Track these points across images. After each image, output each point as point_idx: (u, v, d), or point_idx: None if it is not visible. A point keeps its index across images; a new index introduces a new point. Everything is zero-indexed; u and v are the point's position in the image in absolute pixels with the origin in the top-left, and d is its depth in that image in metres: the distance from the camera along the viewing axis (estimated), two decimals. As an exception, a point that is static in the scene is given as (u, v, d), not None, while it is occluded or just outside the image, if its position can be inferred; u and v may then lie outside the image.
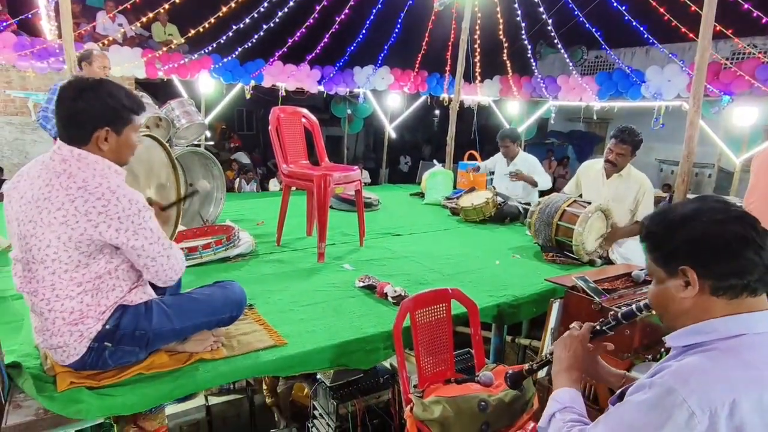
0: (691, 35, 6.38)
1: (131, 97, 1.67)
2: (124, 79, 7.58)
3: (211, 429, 3.31)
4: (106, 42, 7.29)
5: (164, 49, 7.71)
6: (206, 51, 7.78)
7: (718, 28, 5.38)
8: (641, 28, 6.99)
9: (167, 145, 2.39)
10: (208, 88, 8.09)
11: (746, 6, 5.95)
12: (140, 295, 1.73)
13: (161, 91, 8.59)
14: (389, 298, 2.60)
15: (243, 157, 11.88)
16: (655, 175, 11.39)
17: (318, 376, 3.12)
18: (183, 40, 7.84)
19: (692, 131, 3.96)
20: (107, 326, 1.64)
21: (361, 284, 2.77)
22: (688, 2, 5.86)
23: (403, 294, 2.60)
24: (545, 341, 2.47)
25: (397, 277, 2.93)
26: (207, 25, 6.84)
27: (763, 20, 6.26)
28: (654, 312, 1.25)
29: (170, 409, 3.23)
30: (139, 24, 7.50)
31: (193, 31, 7.09)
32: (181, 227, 2.74)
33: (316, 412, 3.09)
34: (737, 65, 7.57)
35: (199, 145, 3.88)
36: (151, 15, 7.03)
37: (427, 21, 7.84)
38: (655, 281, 1.15)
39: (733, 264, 1.01)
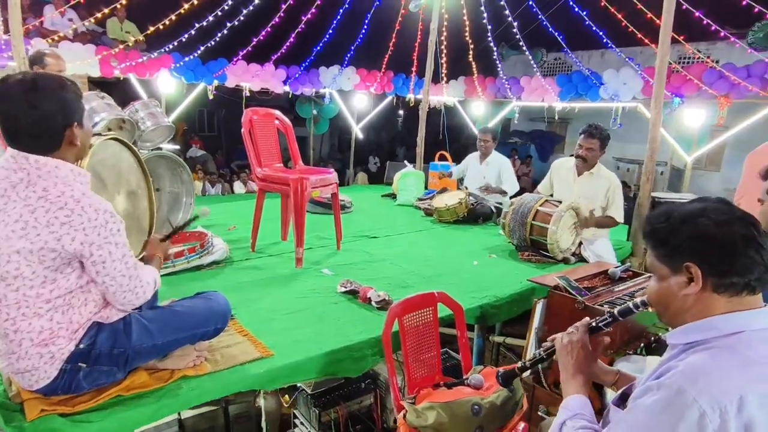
0: (646, 40, 6.67)
1: (74, 83, 1.55)
2: (76, 77, 7.17)
3: (185, 445, 3.17)
4: (55, 38, 6.89)
5: (120, 46, 7.36)
6: (166, 49, 7.48)
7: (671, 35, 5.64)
8: (600, 33, 7.24)
9: (136, 149, 2.26)
10: (169, 87, 7.79)
11: (697, 14, 6.27)
12: (116, 311, 1.61)
13: (117, 91, 8.20)
14: (373, 303, 2.56)
15: (196, 152, 11.54)
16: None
17: (298, 385, 3.05)
18: (142, 38, 7.51)
19: (655, 132, 4.12)
20: (81, 345, 1.52)
21: (343, 289, 2.72)
22: (643, 9, 6.14)
23: (386, 298, 2.57)
24: (529, 340, 2.50)
25: (379, 281, 2.90)
26: (167, 23, 6.58)
27: (712, 27, 6.61)
28: (651, 309, 1.27)
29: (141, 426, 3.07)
30: (93, 20, 7.13)
31: (152, 28, 6.80)
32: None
33: (297, 421, 3.01)
34: (686, 69, 7.97)
35: (160, 148, 3.70)
36: (106, 11, 6.70)
37: (393, 22, 7.84)
38: (656, 279, 1.16)
39: (737, 262, 1.03)
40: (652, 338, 2.40)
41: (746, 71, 7.36)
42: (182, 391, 1.69)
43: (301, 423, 2.96)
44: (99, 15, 6.89)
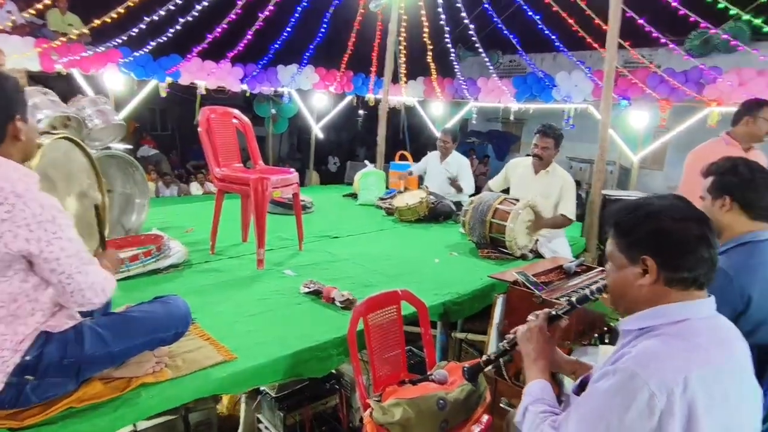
0: (594, 45, 6.98)
1: (8, 75, 1.48)
2: (14, 72, 6.73)
3: (141, 457, 3.05)
4: (-8, 31, 6.45)
5: (62, 39, 6.96)
6: (114, 43, 7.14)
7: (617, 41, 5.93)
8: (552, 37, 7.50)
9: (88, 148, 2.16)
10: (117, 84, 7.44)
11: (640, 21, 6.61)
12: (66, 320, 1.53)
13: (59, 87, 7.76)
14: (337, 303, 2.56)
15: (148, 152, 11.11)
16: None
17: (261, 388, 3.00)
18: (87, 31, 7.13)
19: (604, 133, 4.32)
20: (27, 357, 1.43)
21: (307, 290, 2.70)
22: (592, 15, 6.42)
23: (350, 298, 2.56)
24: (491, 335, 2.56)
25: (342, 281, 2.89)
26: (115, 16, 6.28)
27: (653, 34, 6.99)
28: (607, 296, 1.34)
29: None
30: (33, 11, 6.71)
31: (98, 21, 6.47)
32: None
33: (261, 426, 2.96)
34: (632, 73, 8.38)
35: (110, 148, 3.54)
36: (47, 1, 6.32)
37: (352, 21, 7.82)
38: (614, 267, 1.24)
39: (688, 259, 1.12)
40: (605, 329, 2.51)
41: (684, 76, 7.84)
42: (141, 399, 1.63)
43: (266, 428, 2.92)
44: (39, 6, 6.50)
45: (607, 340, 2.48)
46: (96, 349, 1.55)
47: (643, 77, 8.12)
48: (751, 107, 3.02)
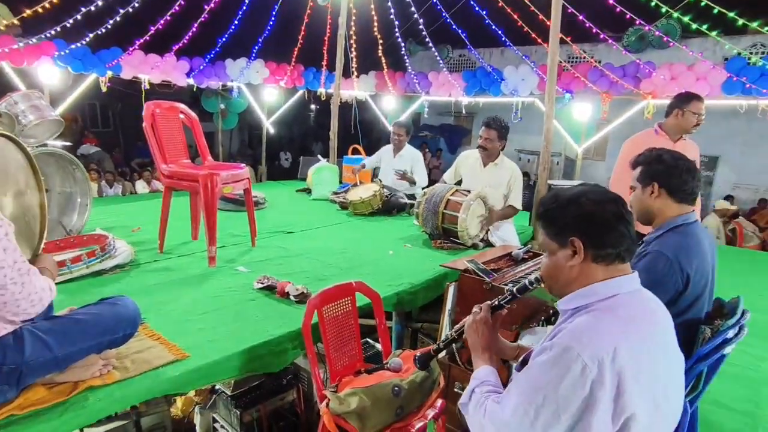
0: (539, 40, 7.24)
1: None
2: (-65, 65, 6.25)
3: (91, 464, 2.94)
4: None
5: (-11, 31, 6.51)
6: (47, 35, 6.73)
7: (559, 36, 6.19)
8: (499, 31, 7.71)
9: (24, 144, 2.04)
10: (52, 78, 7.03)
11: (581, 17, 6.92)
12: (4, 324, 1.46)
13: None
14: (291, 297, 2.56)
15: (89, 149, 10.58)
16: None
17: (217, 387, 2.95)
18: (16, 21, 6.68)
19: (549, 124, 4.51)
20: (-37, 365, 1.37)
21: (260, 285, 2.68)
22: (536, 11, 6.66)
23: (305, 291, 2.57)
24: (443, 322, 2.64)
25: (296, 275, 2.89)
26: (48, 5, 5.92)
27: (593, 30, 7.34)
28: (544, 284, 1.43)
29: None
30: (-46, 0, 6.22)
31: (29, 11, 6.08)
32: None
33: (216, 425, 2.93)
34: (574, 68, 8.76)
35: (46, 145, 3.36)
36: (-29, -10, 5.88)
37: (302, 14, 7.73)
38: (547, 254, 1.34)
39: (610, 236, 1.23)
40: (551, 311, 2.65)
41: (622, 71, 8.27)
42: (88, 403, 1.58)
43: (222, 427, 2.88)
44: (-38, -6, 6.04)
45: (553, 321, 2.63)
46: (38, 354, 1.50)
47: (585, 71, 8.51)
48: (680, 101, 3.21)
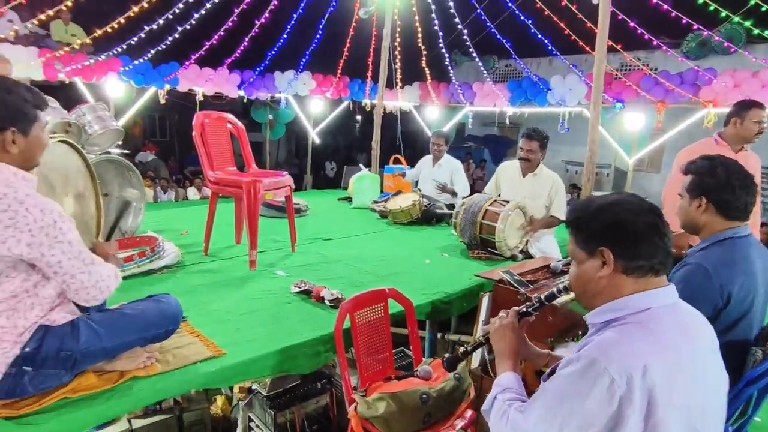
0: (587, 48, 7.08)
1: (32, 91, 1.54)
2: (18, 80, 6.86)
3: (136, 454, 3.10)
4: (-5, 40, 6.58)
5: (66, 49, 7.09)
6: (114, 52, 7.26)
7: (609, 43, 6.03)
8: (545, 41, 7.60)
9: (83, 150, 2.23)
10: (118, 92, 7.56)
11: (632, 24, 6.71)
12: (64, 314, 1.60)
13: (63, 95, 7.88)
14: (326, 302, 2.62)
15: (146, 157, 11.25)
16: (562, 176, 12.30)
17: (253, 387, 3.05)
18: (89, 40, 7.26)
19: (594, 135, 4.39)
20: (27, 349, 1.50)
21: (297, 289, 2.76)
22: (584, 19, 6.52)
23: (339, 297, 2.62)
24: (477, 332, 2.62)
25: (332, 281, 2.95)
26: (116, 25, 6.40)
27: (646, 36, 7.09)
28: (572, 293, 1.40)
29: (89, 438, 2.99)
30: (36, 22, 6.84)
31: (99, 31, 6.59)
32: (99, 240, 2.55)
33: (252, 424, 3.02)
34: (626, 76, 8.47)
35: (109, 153, 3.64)
36: (51, 12, 6.45)
37: (348, 27, 7.94)
38: (575, 263, 1.29)
39: (643, 248, 1.17)
40: (588, 326, 2.57)
41: (680, 78, 7.91)
42: (132, 392, 1.69)
43: (257, 426, 2.97)
44: (42, 17, 6.63)
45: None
46: (90, 343, 1.62)
47: (638, 80, 8.21)
48: (738, 109, 3.04)
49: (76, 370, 1.64)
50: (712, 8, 6.20)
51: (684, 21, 6.61)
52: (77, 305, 1.68)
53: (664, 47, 7.66)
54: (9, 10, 7.10)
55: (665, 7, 6.29)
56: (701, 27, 7.06)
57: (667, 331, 1.13)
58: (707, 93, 7.48)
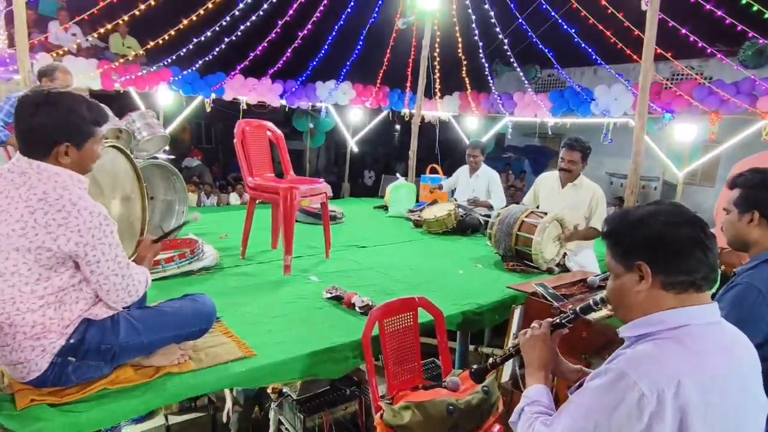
0: (635, 57, 6.85)
1: (93, 109, 1.65)
2: (78, 90, 7.31)
3: (171, 449, 3.21)
4: (60, 52, 7.06)
5: (121, 60, 7.53)
6: (165, 63, 7.65)
7: (658, 51, 5.81)
8: (589, 50, 7.42)
9: (132, 155, 2.36)
10: (167, 100, 7.94)
11: (683, 31, 6.45)
12: (106, 309, 1.69)
13: (117, 103, 8.36)
14: (356, 308, 2.63)
15: (191, 163, 11.72)
16: (605, 188, 11.93)
17: (284, 390, 3.09)
18: (142, 52, 7.69)
19: (638, 146, 4.24)
20: (71, 340, 1.59)
21: (329, 295, 2.79)
22: (632, 27, 6.32)
23: (370, 304, 2.63)
24: (507, 345, 2.56)
25: (364, 288, 2.96)
26: (167, 38, 6.75)
27: (699, 44, 6.80)
28: (609, 306, 1.35)
29: (128, 430, 3.11)
30: (96, 35, 7.30)
31: (152, 43, 6.97)
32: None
33: (282, 427, 3.06)
34: (677, 85, 8.14)
35: (156, 158, 3.83)
36: (109, 26, 6.87)
37: (388, 38, 8.04)
38: (613, 277, 1.24)
39: (684, 262, 1.11)
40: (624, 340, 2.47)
41: (735, 88, 7.53)
42: (166, 387, 1.76)
43: (286, 429, 3.01)
44: (102, 30, 7.07)
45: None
46: (129, 338, 1.70)
47: (690, 89, 7.87)
48: None
49: (115, 363, 1.73)
50: (767, 15, 5.89)
51: (739, 28, 6.30)
52: None
53: (719, 55, 7.30)
54: (73, 24, 7.61)
55: (719, 13, 6.01)
56: (756, 35, 6.70)
57: (704, 349, 1.08)
58: (765, 103, 7.08)
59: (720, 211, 2.93)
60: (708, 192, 11.70)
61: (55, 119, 1.54)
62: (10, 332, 1.53)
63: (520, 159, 14.24)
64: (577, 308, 1.49)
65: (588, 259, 3.69)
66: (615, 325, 2.45)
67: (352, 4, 7.41)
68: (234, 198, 9.39)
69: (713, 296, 2.43)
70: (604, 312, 1.54)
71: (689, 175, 9.09)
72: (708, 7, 5.90)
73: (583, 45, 7.25)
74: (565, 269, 3.63)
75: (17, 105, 1.57)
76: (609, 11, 6.48)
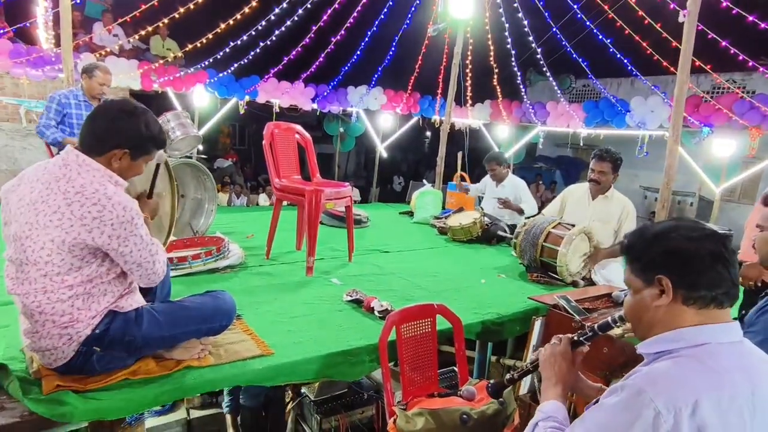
0: (672, 69, 6.66)
1: (162, 134, 1.79)
2: (118, 89, 7.64)
3: (191, 442, 3.28)
4: (103, 53, 7.37)
5: (161, 61, 7.80)
6: (202, 65, 7.88)
7: (697, 63, 5.64)
8: (625, 61, 7.26)
9: (165, 153, 2.43)
10: (203, 101, 8.17)
11: (723, 43, 6.23)
12: (131, 302, 1.75)
13: (155, 103, 8.67)
14: (376, 313, 2.64)
15: (223, 163, 12.01)
16: (639, 202, 11.66)
17: (302, 390, 3.13)
18: (181, 54, 7.95)
19: (671, 160, 4.12)
20: (97, 331, 1.66)
21: (349, 298, 2.81)
22: (669, 38, 6.14)
23: (389, 308, 2.64)
24: (527, 357, 2.52)
25: (384, 293, 2.97)
26: (205, 41, 6.96)
27: (740, 57, 6.55)
28: (628, 323, 1.32)
29: (150, 422, 3.20)
30: (137, 37, 7.60)
31: (190, 46, 7.20)
32: (172, 237, 2.76)
33: (299, 427, 3.09)
34: (716, 99, 7.87)
35: (191, 157, 3.95)
36: (150, 29, 7.14)
37: (420, 44, 8.06)
38: (631, 292, 1.22)
39: (705, 276, 1.09)
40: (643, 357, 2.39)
41: (778, 102, 7.23)
42: (185, 380, 1.80)
43: (303, 429, 3.03)
44: (143, 33, 7.35)
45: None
46: (152, 330, 1.76)
47: (730, 103, 7.60)
48: None
49: (138, 355, 1.79)
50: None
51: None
52: (144, 294, 1.84)
53: (761, 69, 7.02)
54: (116, 26, 7.94)
55: (763, 26, 5.78)
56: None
57: (725, 368, 1.05)
58: (811, 119, 6.77)
59: (752, 227, 2.83)
60: (747, 209, 11.21)
61: (131, 128, 1.67)
62: (40, 320, 1.60)
63: (552, 170, 14.00)
64: (596, 325, 1.46)
65: (615, 274, 3.59)
66: (635, 342, 2.39)
67: (385, 10, 7.47)
68: (263, 199, 9.57)
69: (740, 312, 2.34)
70: (625, 327, 1.50)
71: (727, 192, 8.75)
72: (750, 18, 5.69)
73: (618, 56, 7.09)
74: (590, 283, 3.54)
75: (103, 104, 1.72)
76: (646, 22, 6.32)
